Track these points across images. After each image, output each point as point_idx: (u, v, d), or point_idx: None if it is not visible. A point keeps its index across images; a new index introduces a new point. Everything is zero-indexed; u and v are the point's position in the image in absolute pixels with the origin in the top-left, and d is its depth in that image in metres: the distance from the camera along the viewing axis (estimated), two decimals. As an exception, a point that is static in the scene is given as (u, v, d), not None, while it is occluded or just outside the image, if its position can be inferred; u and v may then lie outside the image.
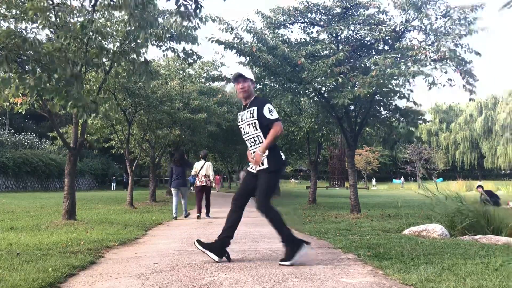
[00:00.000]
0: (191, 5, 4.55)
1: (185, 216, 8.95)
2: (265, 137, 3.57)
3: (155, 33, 6.84)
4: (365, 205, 12.79)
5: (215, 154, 27.69)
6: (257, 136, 3.62)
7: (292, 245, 3.51)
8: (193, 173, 9.23)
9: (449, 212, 5.96)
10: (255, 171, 3.64)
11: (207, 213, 9.30)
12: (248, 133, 3.69)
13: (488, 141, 60.14)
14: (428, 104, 69.18)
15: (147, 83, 10.32)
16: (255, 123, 3.60)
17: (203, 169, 9.08)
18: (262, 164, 3.57)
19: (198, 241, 3.72)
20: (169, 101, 13.41)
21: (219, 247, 3.62)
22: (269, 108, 3.58)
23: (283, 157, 3.67)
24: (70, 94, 4.27)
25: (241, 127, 3.77)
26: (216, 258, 3.59)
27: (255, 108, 3.62)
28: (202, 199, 9.11)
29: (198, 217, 8.78)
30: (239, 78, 3.73)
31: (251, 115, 3.63)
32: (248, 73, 3.81)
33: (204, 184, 9.06)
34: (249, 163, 3.75)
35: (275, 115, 3.57)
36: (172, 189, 9.19)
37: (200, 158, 9.40)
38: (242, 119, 3.74)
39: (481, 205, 5.82)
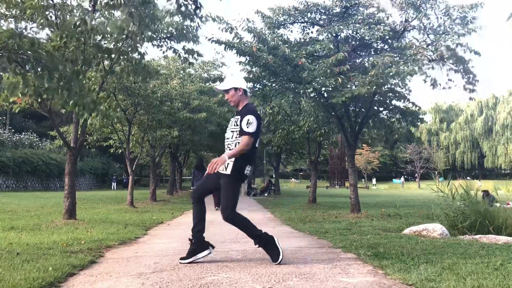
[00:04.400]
0: (191, 5, 4.56)
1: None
2: None
3: (154, 30, 6.83)
4: (365, 204, 12.79)
5: (215, 154, 27.70)
6: (236, 143, 3.60)
7: (269, 244, 3.54)
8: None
9: (450, 211, 5.96)
10: (221, 171, 3.59)
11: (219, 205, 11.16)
12: (228, 138, 3.69)
13: (488, 140, 60.10)
14: (428, 104, 69.25)
15: (145, 82, 10.29)
16: (238, 131, 3.61)
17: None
18: (226, 169, 3.55)
19: (182, 258, 3.60)
20: (169, 101, 13.39)
21: (200, 244, 3.60)
22: (248, 120, 3.55)
23: (246, 171, 3.62)
24: (72, 92, 4.27)
25: (226, 131, 3.80)
26: (206, 252, 3.58)
27: (239, 117, 3.63)
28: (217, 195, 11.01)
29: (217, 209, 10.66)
30: (223, 92, 3.81)
31: (236, 124, 3.64)
32: (229, 83, 3.79)
33: None
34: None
35: (250, 129, 3.53)
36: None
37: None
38: (229, 124, 3.77)
39: (484, 205, 5.81)
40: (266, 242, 3.55)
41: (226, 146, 3.71)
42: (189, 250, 3.61)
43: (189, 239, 3.68)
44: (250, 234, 3.60)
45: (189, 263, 3.52)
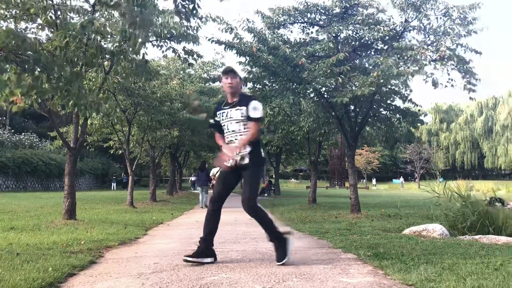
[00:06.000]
0: (188, 5, 4.55)
1: (205, 206, 12.16)
2: None
3: (154, 32, 6.83)
4: (365, 205, 12.79)
5: (215, 154, 27.69)
6: (245, 134, 3.61)
7: (281, 243, 3.51)
8: (211, 175, 12.51)
9: (450, 212, 5.96)
10: (229, 164, 3.55)
11: None
12: (234, 130, 3.63)
13: (488, 141, 60.14)
14: (428, 104, 69.27)
15: (146, 82, 10.31)
16: (246, 122, 3.60)
17: (218, 173, 12.30)
18: (243, 160, 3.53)
19: (186, 256, 3.52)
20: (169, 102, 13.40)
21: (205, 249, 3.53)
22: (254, 107, 3.57)
23: (263, 154, 3.67)
24: (71, 93, 4.27)
25: (224, 125, 3.70)
26: (210, 260, 3.52)
27: (244, 108, 3.59)
28: None
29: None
30: (229, 72, 3.66)
31: (242, 115, 3.59)
32: (238, 71, 3.83)
33: None
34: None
35: (257, 114, 3.56)
36: (199, 188, 13.34)
37: (215, 166, 13.68)
38: (228, 116, 3.65)
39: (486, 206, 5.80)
40: (279, 240, 3.52)
41: (233, 139, 3.62)
42: (196, 251, 3.54)
43: (199, 241, 3.61)
44: (266, 228, 3.56)
45: (193, 262, 3.45)
